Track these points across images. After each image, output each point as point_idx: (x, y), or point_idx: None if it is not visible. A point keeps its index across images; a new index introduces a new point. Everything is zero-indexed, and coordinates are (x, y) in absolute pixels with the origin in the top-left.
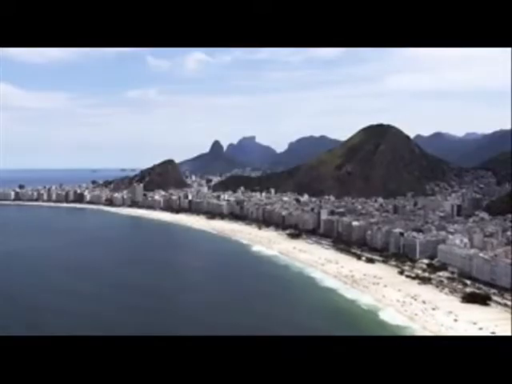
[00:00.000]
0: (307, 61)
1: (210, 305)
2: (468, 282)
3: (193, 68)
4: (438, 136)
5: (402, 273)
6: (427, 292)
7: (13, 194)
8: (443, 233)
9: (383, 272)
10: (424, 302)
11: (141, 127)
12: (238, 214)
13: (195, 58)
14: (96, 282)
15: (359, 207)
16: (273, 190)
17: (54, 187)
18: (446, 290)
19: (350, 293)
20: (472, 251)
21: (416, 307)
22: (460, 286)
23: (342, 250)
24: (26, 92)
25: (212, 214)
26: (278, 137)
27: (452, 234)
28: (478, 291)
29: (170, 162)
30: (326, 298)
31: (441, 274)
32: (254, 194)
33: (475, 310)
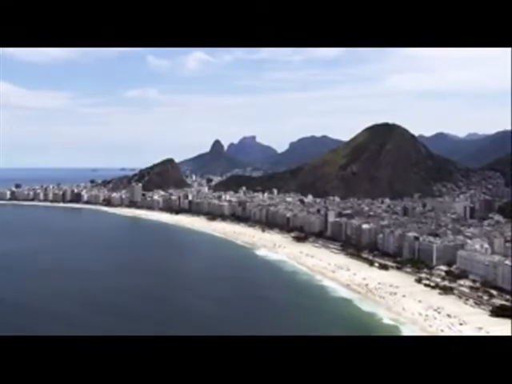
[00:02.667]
0: (307, 61)
1: (210, 312)
2: (494, 292)
3: (193, 68)
4: (440, 136)
5: (419, 281)
6: (450, 303)
7: (8, 193)
8: (460, 237)
9: (399, 280)
10: (449, 316)
11: (141, 127)
12: (239, 216)
13: (196, 57)
14: (83, 286)
15: (366, 208)
16: (275, 191)
17: (51, 186)
18: (471, 301)
19: (366, 304)
20: (496, 258)
21: (441, 322)
22: (486, 297)
23: (352, 255)
24: (27, 91)
25: (213, 215)
26: (278, 136)
27: (470, 238)
28: (507, 303)
29: (170, 161)
30: (341, 311)
31: (462, 282)
32: (256, 194)
33: (508, 326)
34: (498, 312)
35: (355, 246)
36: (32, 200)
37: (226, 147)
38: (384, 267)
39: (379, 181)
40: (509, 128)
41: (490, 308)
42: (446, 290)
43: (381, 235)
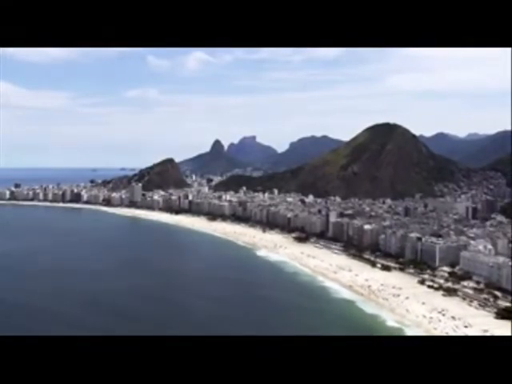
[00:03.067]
0: (307, 61)
1: (210, 312)
2: (498, 293)
3: (193, 68)
4: (440, 136)
5: (422, 282)
6: (455, 305)
7: (8, 193)
8: (463, 238)
9: (402, 281)
10: (454, 318)
11: (141, 127)
12: (240, 216)
13: (196, 57)
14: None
15: (367, 209)
16: (276, 191)
17: (50, 186)
18: (475, 303)
19: (369, 306)
20: (501, 259)
21: (446, 324)
22: (491, 299)
23: (354, 256)
24: (27, 91)
25: (213, 215)
26: (278, 136)
27: (473, 239)
28: None
29: (170, 161)
30: (343, 313)
31: (465, 283)
32: (256, 194)
33: None
34: (504, 314)
35: (357, 247)
36: (31, 200)
37: (226, 147)
38: (386, 268)
39: (380, 181)
40: (509, 128)
41: (495, 310)
42: (450, 292)
43: (383, 236)
